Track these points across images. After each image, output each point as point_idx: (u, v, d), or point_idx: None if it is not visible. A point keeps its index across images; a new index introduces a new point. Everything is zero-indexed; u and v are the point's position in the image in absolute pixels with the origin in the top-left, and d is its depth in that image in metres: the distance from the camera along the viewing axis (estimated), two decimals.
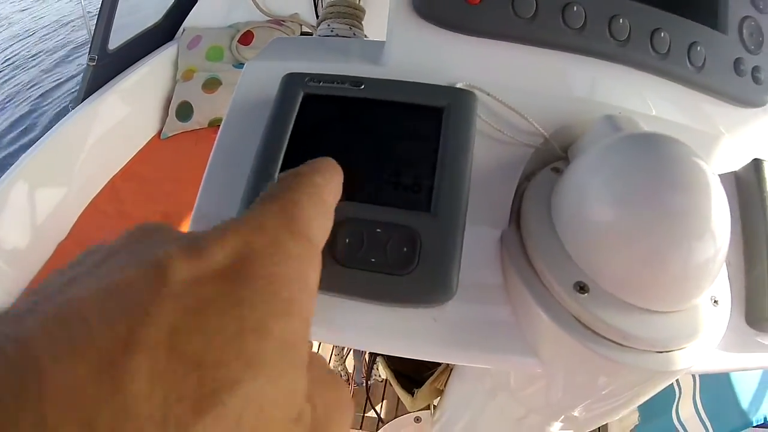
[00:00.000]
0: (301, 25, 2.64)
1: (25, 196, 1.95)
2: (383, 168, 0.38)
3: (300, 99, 0.41)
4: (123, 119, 2.41)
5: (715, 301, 0.37)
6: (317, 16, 2.53)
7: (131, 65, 2.51)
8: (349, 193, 0.30)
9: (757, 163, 0.48)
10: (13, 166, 1.96)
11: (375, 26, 0.81)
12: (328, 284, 0.35)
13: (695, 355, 0.34)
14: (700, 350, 0.35)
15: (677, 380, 1.47)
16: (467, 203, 0.37)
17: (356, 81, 0.42)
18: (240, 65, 2.54)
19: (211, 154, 0.45)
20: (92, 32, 2.32)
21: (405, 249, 0.35)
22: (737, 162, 0.50)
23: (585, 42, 0.47)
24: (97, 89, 2.33)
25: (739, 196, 0.48)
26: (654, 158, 0.33)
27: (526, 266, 0.38)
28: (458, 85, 0.44)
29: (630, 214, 0.32)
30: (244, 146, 0.43)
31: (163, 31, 2.73)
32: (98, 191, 2.26)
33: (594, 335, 0.34)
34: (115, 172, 2.36)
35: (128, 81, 2.43)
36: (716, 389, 1.37)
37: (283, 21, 2.62)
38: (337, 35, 0.69)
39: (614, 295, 0.34)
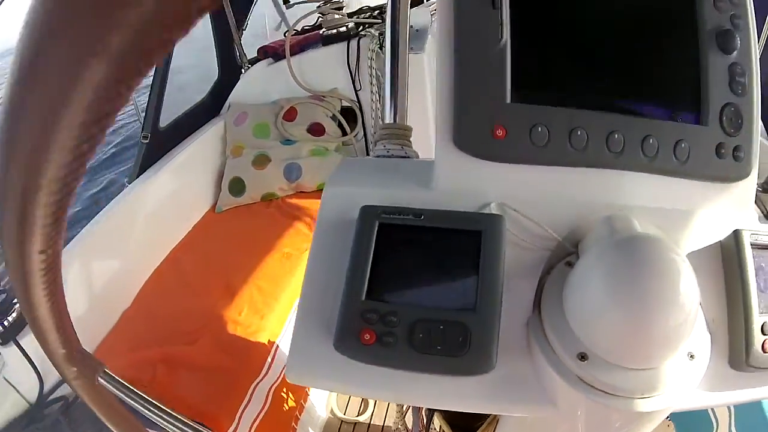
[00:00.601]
0: (340, 100, 2.83)
1: (88, 266, 2.06)
2: (440, 279, 0.56)
3: (376, 228, 0.58)
4: (177, 193, 2.56)
5: (691, 356, 0.52)
6: (356, 90, 2.74)
7: (182, 141, 2.69)
8: (420, 297, 0.54)
9: (737, 234, 0.61)
10: (75, 237, 2.08)
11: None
12: (409, 365, 0.54)
13: (670, 399, 0.49)
14: (674, 394, 0.50)
15: (714, 412, 1.60)
16: (501, 301, 0.54)
17: (417, 213, 0.59)
18: (287, 141, 2.74)
19: (307, 264, 0.63)
20: (140, 111, 2.53)
21: (460, 339, 0.52)
22: (723, 230, 0.63)
23: (588, 157, 0.62)
24: (151, 165, 2.50)
25: (723, 263, 0.62)
26: (633, 261, 0.46)
27: (544, 341, 0.54)
28: (491, 205, 0.62)
29: (615, 304, 0.45)
30: (332, 259, 0.61)
31: (209, 107, 2.94)
32: (160, 262, 2.39)
33: (592, 389, 0.50)
34: (175, 244, 2.49)
35: (180, 157, 2.60)
36: (750, 419, 1.49)
37: (323, 96, 2.81)
38: (392, 155, 0.82)
39: (606, 361, 0.49)
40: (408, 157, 0.81)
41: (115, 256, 2.20)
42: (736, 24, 0.65)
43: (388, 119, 0.92)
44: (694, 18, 0.64)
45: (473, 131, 0.61)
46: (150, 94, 2.47)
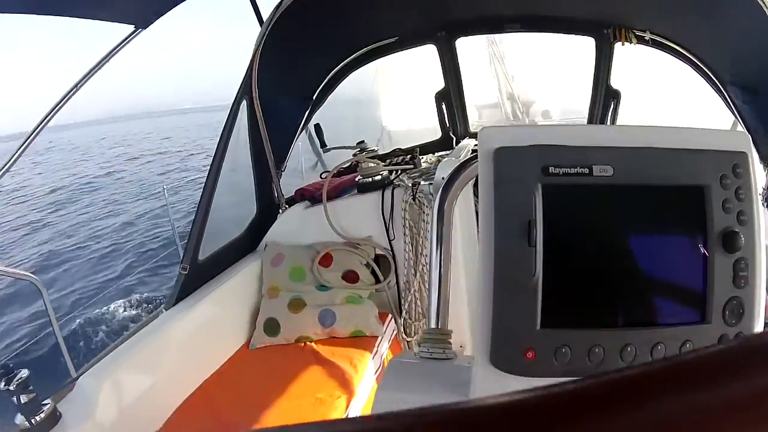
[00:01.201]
0: (374, 248, 2.91)
1: (118, 386, 2.07)
2: None
3: None
4: (212, 325, 2.61)
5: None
6: (389, 239, 2.82)
7: (219, 274, 2.78)
8: None
9: None
10: (107, 357, 2.12)
11: None
12: None
13: None
14: None
15: None
16: None
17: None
18: (322, 287, 2.80)
19: None
20: (180, 242, 2.64)
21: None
22: None
23: (603, 369, 0.67)
24: (188, 295, 2.57)
25: None
26: None
27: None
28: None
29: None
30: None
31: (246, 244, 3.04)
32: (191, 392, 2.40)
33: None
34: (208, 376, 2.51)
35: (218, 291, 2.67)
36: None
37: (358, 244, 2.90)
38: (434, 358, 0.91)
39: None
40: (449, 359, 0.91)
41: (146, 380, 2.22)
42: (743, 221, 0.71)
43: (433, 324, 0.98)
44: (704, 225, 0.71)
45: (508, 354, 0.72)
46: (192, 227, 2.61)
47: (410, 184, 2.79)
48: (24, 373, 1.73)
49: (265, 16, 2.81)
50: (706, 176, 0.72)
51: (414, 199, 2.73)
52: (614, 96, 4.06)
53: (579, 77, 4.36)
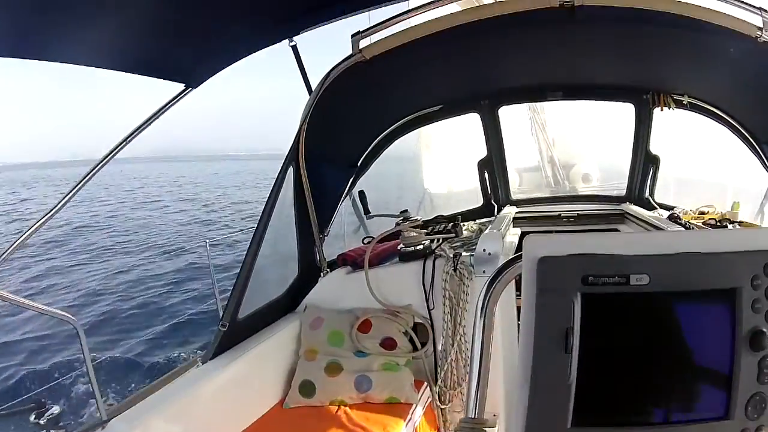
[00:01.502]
0: (413, 316, 2.93)
1: None
2: None
3: None
4: (248, 382, 2.63)
5: None
6: (429, 308, 2.84)
7: (257, 332, 2.81)
8: None
9: None
10: (139, 404, 2.15)
11: None
12: None
13: None
14: None
15: None
16: None
17: None
18: (360, 353, 2.82)
19: None
20: (220, 300, 2.69)
21: None
22: None
23: None
24: (225, 351, 2.61)
25: None
26: None
27: None
28: None
29: None
30: None
31: (286, 304, 3.09)
32: None
33: None
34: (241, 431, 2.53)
35: (256, 349, 2.70)
36: None
37: (398, 312, 2.92)
38: None
39: None
40: None
41: (177, 430, 2.24)
42: None
43: (471, 413, 0.99)
44: (733, 325, 0.73)
45: None
46: (234, 286, 2.66)
47: (452, 255, 2.82)
48: (55, 409, 1.77)
49: (313, 84, 2.93)
50: (738, 278, 0.74)
51: (455, 270, 2.76)
52: (653, 161, 4.12)
53: (619, 138, 4.46)
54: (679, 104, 3.79)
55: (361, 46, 2.77)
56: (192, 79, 2.56)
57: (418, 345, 2.90)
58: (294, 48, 2.77)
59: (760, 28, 2.44)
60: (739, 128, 3.53)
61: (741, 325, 0.73)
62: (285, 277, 3.15)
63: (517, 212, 4.16)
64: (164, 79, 2.52)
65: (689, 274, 0.75)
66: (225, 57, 2.57)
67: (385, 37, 2.79)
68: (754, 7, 2.46)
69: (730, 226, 3.22)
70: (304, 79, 2.94)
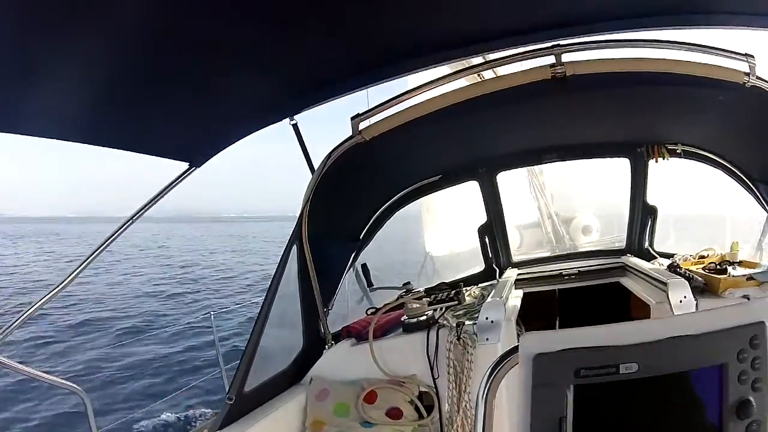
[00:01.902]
0: (418, 385, 2.95)
1: None
2: None
3: None
4: None
5: None
6: (433, 378, 2.86)
7: (263, 404, 2.81)
8: None
9: None
10: None
11: None
12: None
13: None
14: None
15: None
16: None
17: None
18: (366, 424, 2.82)
19: None
20: (226, 374, 2.71)
21: None
22: None
23: None
24: (232, 423, 2.60)
25: None
26: None
27: None
28: None
29: None
30: None
31: (292, 376, 3.10)
32: None
33: None
34: None
35: (262, 422, 2.68)
36: None
37: (403, 382, 2.94)
38: None
39: None
40: None
41: None
42: (757, 388, 0.77)
43: None
44: (720, 397, 0.77)
45: None
46: (240, 360, 2.70)
47: (455, 324, 2.88)
48: None
49: (316, 163, 3.03)
50: (724, 354, 0.79)
51: (458, 339, 2.80)
52: (651, 212, 4.21)
53: (617, 187, 4.51)
54: (673, 153, 3.90)
55: (360, 128, 2.88)
56: (195, 159, 2.66)
57: (424, 413, 2.90)
58: (295, 126, 2.87)
59: (747, 74, 2.57)
60: (734, 170, 3.62)
61: (728, 397, 0.77)
62: (290, 349, 3.18)
63: (518, 274, 4.21)
64: (168, 158, 2.62)
65: (677, 356, 0.80)
66: (227, 137, 2.67)
67: (384, 119, 2.91)
68: (740, 53, 2.59)
69: (730, 268, 3.27)
70: (305, 157, 3.04)
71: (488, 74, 3.14)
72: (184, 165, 2.70)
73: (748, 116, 3.01)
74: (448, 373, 2.82)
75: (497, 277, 4.24)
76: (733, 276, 3.12)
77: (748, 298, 2.87)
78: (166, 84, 2.10)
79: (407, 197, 4.07)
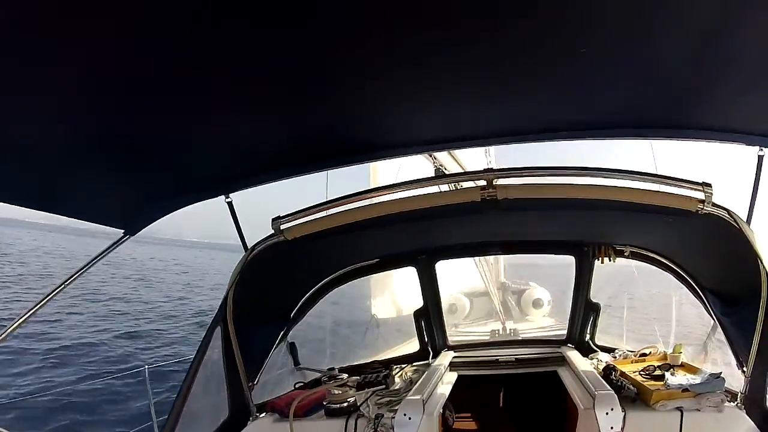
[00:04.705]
0: None
1: None
2: None
3: None
4: None
5: None
6: None
7: None
8: None
9: None
10: None
11: None
12: None
13: None
14: None
15: None
16: None
17: None
18: None
19: None
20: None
21: None
22: None
23: None
24: None
25: None
26: None
27: None
28: None
29: None
30: None
31: None
32: None
33: None
34: None
35: None
36: None
37: None
38: None
39: None
40: None
41: None
42: None
43: None
44: None
45: None
46: (165, 424, 2.70)
47: (373, 416, 2.88)
48: None
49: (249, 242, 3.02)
50: None
51: (375, 431, 2.80)
52: (593, 309, 4.22)
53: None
54: (621, 254, 3.91)
55: (282, 228, 2.86)
56: (130, 227, 2.65)
57: None
58: (229, 204, 2.88)
59: (702, 201, 2.52)
60: (683, 274, 3.60)
61: None
62: (218, 417, 3.13)
63: (454, 357, 4.22)
64: (103, 224, 2.61)
65: None
66: (162, 207, 2.67)
67: (306, 222, 2.89)
68: (697, 183, 2.52)
69: (668, 373, 3.26)
70: (239, 235, 3.06)
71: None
72: (120, 232, 2.67)
73: (700, 236, 3.02)
74: None
75: (430, 358, 4.24)
76: (668, 385, 3.07)
77: (682, 411, 2.88)
78: (107, 151, 2.09)
79: (343, 278, 4.07)
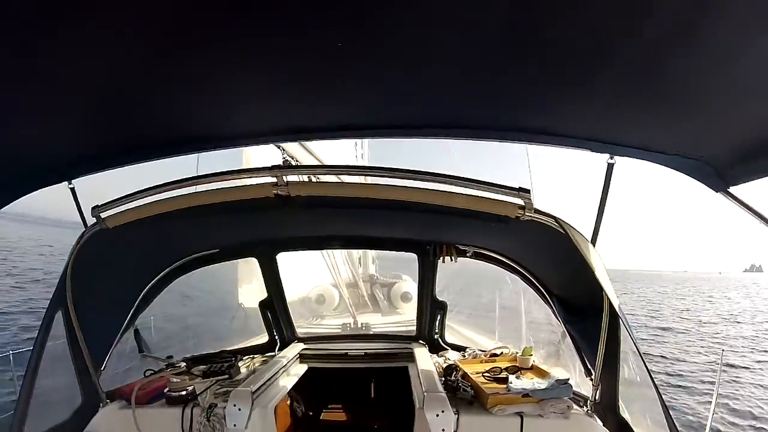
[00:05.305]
0: None
1: None
2: None
3: None
4: None
5: None
6: None
7: None
8: None
9: None
10: None
11: None
12: None
13: None
14: None
15: None
16: None
17: None
18: None
19: None
20: None
21: None
22: None
23: None
24: None
25: None
26: None
27: None
28: None
29: None
30: None
31: (71, 429, 3.16)
32: None
33: None
34: None
35: None
36: None
37: None
38: None
39: None
40: None
41: None
42: None
43: None
44: None
45: None
46: (15, 410, 2.82)
47: (207, 406, 3.09)
48: None
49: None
50: None
51: (208, 420, 3.04)
52: (441, 307, 4.37)
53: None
54: (463, 254, 3.93)
55: (103, 216, 2.83)
56: None
57: None
58: (72, 190, 2.80)
59: (522, 207, 2.43)
60: (530, 278, 3.61)
61: None
62: (71, 403, 3.24)
63: (304, 348, 4.44)
64: None
65: None
66: (16, 190, 2.59)
67: (126, 210, 2.83)
68: (513, 189, 2.38)
69: (512, 376, 3.27)
70: (82, 220, 2.97)
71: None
72: None
73: (539, 242, 2.94)
74: None
75: (276, 350, 4.43)
76: (510, 389, 3.04)
77: (522, 416, 2.89)
78: None
79: (186, 267, 4.06)
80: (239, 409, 2.97)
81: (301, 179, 2.74)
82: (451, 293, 4.68)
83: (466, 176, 2.42)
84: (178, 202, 2.76)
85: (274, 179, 2.56)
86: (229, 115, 2.12)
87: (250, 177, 2.67)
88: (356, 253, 9.05)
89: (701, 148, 1.86)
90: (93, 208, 2.80)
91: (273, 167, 2.56)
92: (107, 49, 1.46)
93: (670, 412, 2.42)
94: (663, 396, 2.47)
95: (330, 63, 1.56)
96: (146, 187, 2.75)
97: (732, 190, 1.90)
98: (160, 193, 2.72)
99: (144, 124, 2.18)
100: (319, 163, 4.42)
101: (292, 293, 7.05)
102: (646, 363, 2.49)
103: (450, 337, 4.58)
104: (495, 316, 6.59)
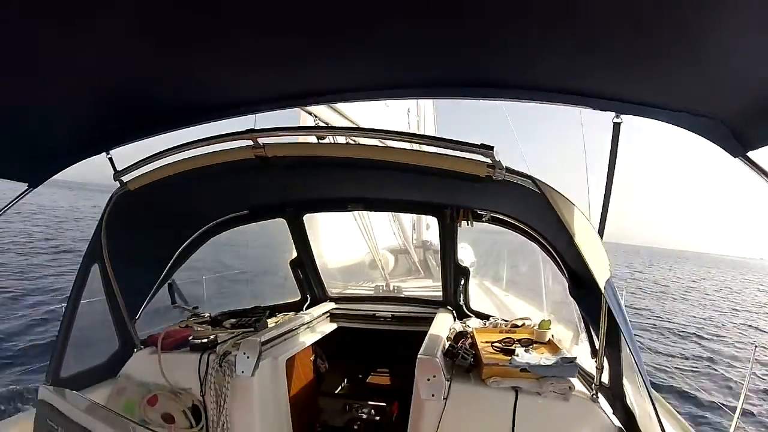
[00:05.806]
0: (192, 398, 3.45)
1: None
2: None
3: None
4: None
5: None
6: (202, 394, 3.40)
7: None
8: None
9: None
10: None
11: None
12: None
13: None
14: None
15: None
16: None
17: None
18: (144, 422, 3.31)
19: None
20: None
21: None
22: None
23: None
24: None
25: None
26: None
27: None
28: None
29: None
30: None
31: (106, 371, 3.60)
32: None
33: None
34: None
35: None
36: None
37: (180, 393, 3.43)
38: None
39: None
40: None
41: None
42: None
43: None
44: None
45: None
46: (53, 352, 3.18)
47: (221, 353, 3.40)
48: None
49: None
50: None
51: (221, 365, 3.33)
52: (463, 273, 4.34)
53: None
54: (479, 218, 3.83)
55: (125, 180, 2.99)
56: (32, 180, 2.87)
57: (193, 423, 3.40)
58: (110, 159, 2.94)
59: (492, 166, 2.31)
60: (544, 243, 3.39)
61: None
62: (109, 347, 3.66)
63: (334, 308, 4.65)
64: (7, 179, 2.79)
65: None
66: (61, 161, 2.83)
67: (145, 173, 2.96)
68: (476, 146, 2.22)
69: (521, 350, 3.13)
70: (112, 166, 3.04)
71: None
72: (23, 185, 2.90)
73: (530, 206, 2.77)
74: (212, 394, 3.35)
75: (305, 307, 4.66)
76: (512, 362, 2.87)
77: (518, 391, 2.75)
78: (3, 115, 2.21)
79: (218, 227, 4.26)
80: (248, 357, 3.22)
81: (267, 141, 2.66)
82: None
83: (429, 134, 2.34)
84: (195, 162, 2.81)
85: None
86: (239, 83, 2.16)
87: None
88: (409, 219, 9.11)
89: (712, 105, 1.75)
90: (115, 173, 2.97)
91: (248, 130, 2.57)
92: (134, 31, 1.59)
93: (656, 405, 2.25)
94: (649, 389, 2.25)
95: (332, 23, 1.55)
96: (163, 149, 2.80)
97: (751, 155, 1.76)
98: (175, 154, 2.77)
99: (168, 96, 2.30)
100: (354, 126, 4.46)
101: (347, 257, 7.29)
102: (634, 347, 2.23)
103: (490, 307, 4.59)
104: (542, 287, 6.20)
